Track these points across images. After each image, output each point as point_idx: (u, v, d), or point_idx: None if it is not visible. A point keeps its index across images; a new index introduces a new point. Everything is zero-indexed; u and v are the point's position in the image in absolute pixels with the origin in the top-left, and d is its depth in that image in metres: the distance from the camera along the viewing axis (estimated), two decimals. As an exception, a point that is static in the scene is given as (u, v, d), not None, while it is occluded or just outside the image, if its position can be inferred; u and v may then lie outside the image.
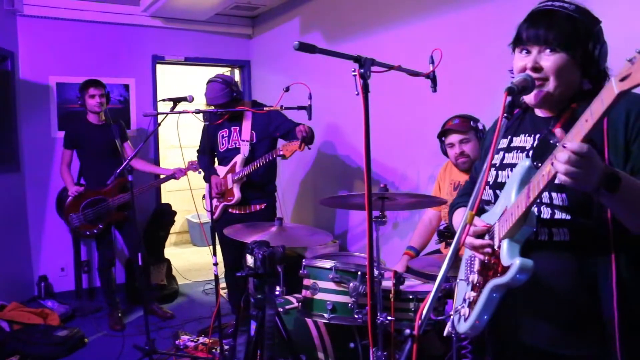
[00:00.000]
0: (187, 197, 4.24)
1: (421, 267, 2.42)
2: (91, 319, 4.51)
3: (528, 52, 1.43)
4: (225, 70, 6.31)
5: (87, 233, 4.33)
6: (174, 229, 5.29)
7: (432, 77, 2.10)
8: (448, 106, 3.21)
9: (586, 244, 1.35)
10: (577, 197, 1.33)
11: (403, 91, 3.71)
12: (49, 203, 4.99)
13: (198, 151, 4.22)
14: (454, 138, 2.92)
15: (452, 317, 1.57)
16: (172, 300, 5.08)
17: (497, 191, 1.50)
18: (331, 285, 2.45)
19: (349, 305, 2.41)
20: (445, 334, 1.62)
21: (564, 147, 1.15)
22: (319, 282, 2.49)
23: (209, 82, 3.87)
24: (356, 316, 2.39)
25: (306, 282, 2.56)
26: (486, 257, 1.44)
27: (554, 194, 1.36)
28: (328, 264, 2.48)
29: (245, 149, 3.87)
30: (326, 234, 2.96)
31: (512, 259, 1.31)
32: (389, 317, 2.31)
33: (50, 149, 5.06)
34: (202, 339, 3.75)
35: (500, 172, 1.53)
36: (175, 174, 4.29)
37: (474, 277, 1.49)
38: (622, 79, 1.04)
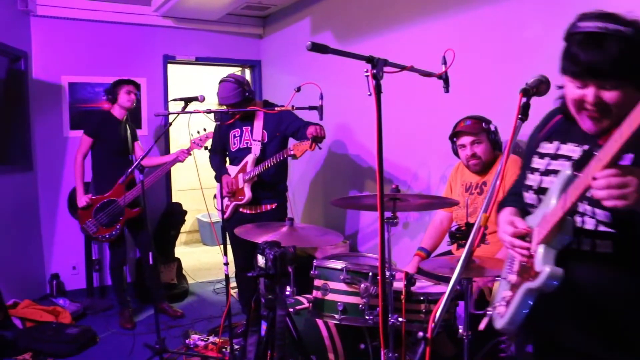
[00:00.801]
0: (197, 197, 4.25)
1: (432, 268, 2.41)
2: (102, 317, 4.53)
3: (585, 86, 1.35)
4: (236, 70, 6.32)
5: (107, 236, 4.34)
6: (184, 228, 5.30)
7: (444, 78, 2.09)
8: (459, 107, 3.19)
9: (630, 257, 1.33)
10: (620, 214, 1.29)
11: (414, 92, 3.69)
12: (61, 202, 5.03)
13: (209, 150, 4.22)
14: (465, 139, 2.90)
15: (490, 314, 1.61)
16: (182, 299, 5.09)
17: (541, 196, 1.49)
18: (342, 286, 2.45)
19: (360, 306, 2.40)
20: (481, 327, 1.66)
21: (594, 178, 1.15)
22: (329, 282, 2.49)
23: (222, 81, 3.87)
24: (367, 317, 2.38)
25: (317, 282, 2.55)
26: (524, 259, 1.44)
27: (597, 210, 1.34)
28: (339, 264, 2.48)
29: (256, 148, 3.87)
30: (337, 235, 2.95)
31: (543, 265, 1.33)
32: (400, 319, 2.30)
33: (63, 148, 5.09)
34: (212, 338, 3.77)
35: (544, 177, 1.51)
36: (178, 157, 4.29)
37: (512, 277, 1.51)
38: None
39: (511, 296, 1.46)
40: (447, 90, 2.10)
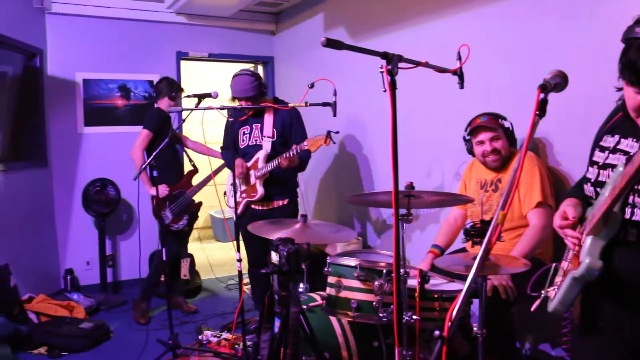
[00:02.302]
0: (210, 193, 4.27)
1: (446, 265, 2.38)
2: (115, 313, 4.57)
3: None
4: (249, 67, 6.32)
5: (175, 227, 4.39)
6: (197, 224, 5.32)
7: (459, 74, 2.07)
8: (474, 103, 3.16)
9: None
10: None
11: (427, 88, 3.67)
12: (75, 198, 5.07)
13: (222, 148, 4.22)
14: (484, 136, 2.88)
15: (543, 296, 1.69)
16: (196, 295, 5.12)
17: (598, 189, 1.54)
18: (356, 284, 2.44)
19: (374, 303, 2.39)
20: (533, 308, 1.72)
21: None
22: (343, 280, 2.47)
23: (237, 75, 3.84)
24: (381, 315, 2.37)
25: (330, 279, 2.54)
26: (575, 248, 1.53)
27: None
28: (353, 261, 2.46)
29: (267, 145, 3.87)
30: (350, 231, 2.94)
31: (585, 256, 1.42)
32: (414, 316, 2.28)
33: (77, 144, 5.13)
34: (225, 335, 3.78)
35: (602, 171, 1.55)
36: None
37: (565, 264, 1.61)
38: None
39: (561, 281, 1.54)
40: (462, 87, 2.07)
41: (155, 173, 3.59)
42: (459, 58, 2.04)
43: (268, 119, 3.90)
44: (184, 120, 3.62)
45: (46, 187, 4.99)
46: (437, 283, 2.66)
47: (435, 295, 2.44)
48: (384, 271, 2.39)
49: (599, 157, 1.58)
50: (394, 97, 1.62)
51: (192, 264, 5.34)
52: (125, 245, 5.37)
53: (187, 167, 4.63)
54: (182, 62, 5.64)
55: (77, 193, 5.05)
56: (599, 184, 1.54)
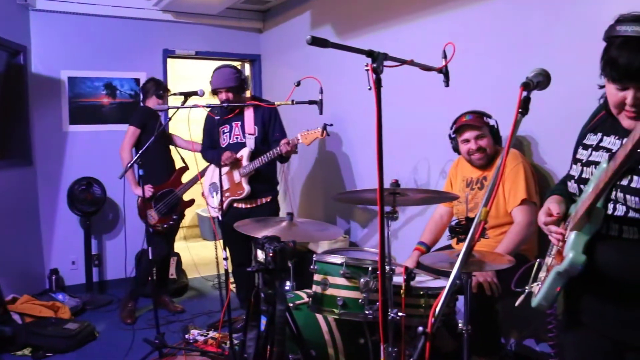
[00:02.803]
0: (197, 191, 4.25)
1: (432, 262, 2.40)
2: (101, 313, 4.54)
3: (626, 88, 1.42)
4: (236, 65, 6.31)
5: (165, 226, 4.36)
6: (184, 222, 5.29)
7: (444, 72, 2.08)
8: (459, 102, 3.18)
9: None
10: None
11: (413, 86, 3.68)
12: (60, 197, 5.02)
13: (201, 150, 4.21)
14: (469, 134, 2.90)
15: (527, 291, 1.71)
16: (182, 294, 5.09)
17: (582, 186, 1.57)
18: (342, 281, 2.44)
19: (360, 301, 2.40)
20: (517, 304, 1.74)
21: None
22: (329, 277, 2.48)
23: (217, 68, 3.89)
24: (367, 312, 2.38)
25: (316, 277, 2.55)
26: (559, 244, 1.55)
27: (628, 196, 1.42)
28: (339, 259, 2.47)
29: (250, 142, 3.88)
30: (337, 229, 2.95)
31: (569, 251, 1.44)
32: (399, 313, 2.29)
33: (62, 142, 5.08)
34: (211, 333, 3.77)
35: (585, 168, 1.58)
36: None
37: (549, 260, 1.62)
38: None
39: (545, 277, 1.57)
40: (447, 85, 2.09)
41: (141, 171, 3.57)
42: (445, 56, 2.06)
43: (248, 116, 3.91)
44: (170, 118, 3.61)
45: (31, 186, 4.94)
46: (423, 280, 2.67)
47: (421, 292, 2.45)
48: (370, 268, 2.40)
49: (582, 154, 1.61)
50: (379, 95, 1.62)
51: (179, 262, 5.32)
52: (111, 245, 5.33)
53: (179, 166, 4.60)
54: (169, 60, 5.60)
55: (62, 192, 5.00)
56: (582, 181, 1.57)
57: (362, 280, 2.38)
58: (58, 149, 5.07)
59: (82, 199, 4.91)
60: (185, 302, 4.81)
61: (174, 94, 3.66)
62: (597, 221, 1.45)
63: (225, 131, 3.97)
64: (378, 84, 1.63)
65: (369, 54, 1.63)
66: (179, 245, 5.23)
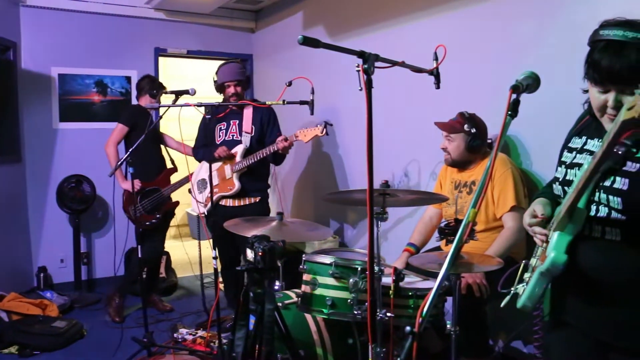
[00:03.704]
0: (183, 192, 4.25)
1: (421, 264, 2.41)
2: (90, 311, 4.51)
3: (607, 91, 1.44)
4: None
5: (147, 223, 4.33)
6: (174, 222, 5.27)
7: (435, 74, 2.09)
8: (450, 103, 3.20)
9: (637, 245, 1.43)
10: (632, 202, 1.40)
11: (405, 87, 3.70)
12: (50, 194, 4.99)
13: (193, 148, 4.21)
14: (443, 132, 2.99)
15: (513, 293, 1.71)
16: (171, 293, 5.08)
17: (566, 188, 1.58)
18: (331, 281, 2.45)
19: (349, 301, 2.40)
20: (502, 305, 1.74)
21: None
22: (318, 277, 2.49)
23: (224, 64, 3.96)
24: (355, 312, 2.38)
25: (306, 277, 2.55)
26: (543, 245, 1.57)
27: (610, 197, 1.43)
28: (328, 259, 2.48)
29: (246, 140, 3.88)
30: (327, 230, 2.95)
31: (551, 251, 1.45)
32: (388, 314, 2.30)
33: (52, 140, 5.05)
34: (200, 333, 3.76)
35: (569, 170, 1.59)
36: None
37: (534, 261, 1.63)
38: (629, 109, 1.15)
39: (529, 278, 1.58)
40: (438, 87, 2.10)
41: (131, 169, 3.56)
42: (436, 58, 2.07)
43: (247, 115, 3.92)
44: (161, 117, 3.59)
45: (19, 183, 4.90)
46: (412, 281, 2.68)
47: (410, 293, 2.46)
48: (359, 269, 2.40)
49: (567, 157, 1.63)
50: (370, 96, 1.63)
51: (168, 261, 5.30)
52: (100, 243, 5.30)
53: (169, 166, 4.59)
54: (160, 59, 5.59)
55: (51, 189, 4.97)
56: (566, 183, 1.58)
57: (351, 280, 2.39)
58: (48, 146, 5.04)
59: (72, 196, 4.88)
60: (174, 301, 4.80)
61: (165, 93, 3.66)
62: (579, 222, 1.46)
63: (222, 128, 3.99)
64: (369, 84, 1.63)
65: (360, 54, 1.64)
66: (168, 244, 5.21)
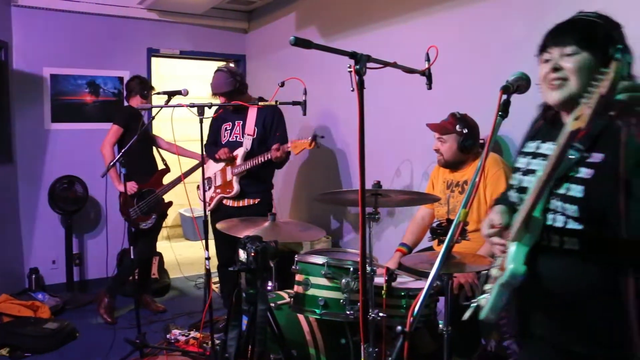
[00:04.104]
0: (180, 191, 4.23)
1: (413, 264, 2.42)
2: (82, 312, 4.49)
3: (549, 59, 1.47)
4: (220, 65, 6.30)
5: (144, 225, 4.31)
6: (167, 222, 5.26)
7: (427, 75, 2.10)
8: (442, 104, 3.20)
9: (596, 255, 1.39)
10: (588, 210, 1.37)
11: (398, 88, 3.70)
12: (42, 195, 4.96)
13: (205, 145, 4.24)
14: (435, 134, 2.98)
15: (477, 304, 1.65)
16: (164, 294, 5.07)
17: (522, 195, 1.54)
18: (323, 281, 2.45)
19: (341, 301, 2.41)
20: (464, 318, 1.68)
21: None
22: (311, 277, 2.49)
23: (216, 71, 3.94)
24: (348, 312, 2.39)
25: (298, 277, 2.55)
26: (502, 255, 1.52)
27: (566, 205, 1.40)
28: (320, 259, 2.48)
29: (247, 142, 3.89)
30: (319, 230, 2.96)
31: (510, 263, 1.40)
32: (380, 314, 2.31)
33: (44, 140, 5.03)
34: (193, 333, 3.75)
35: (525, 177, 1.57)
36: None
37: (494, 271, 1.58)
38: (576, 119, 1.15)
39: (490, 289, 1.53)
40: (429, 87, 2.11)
41: (124, 170, 3.56)
42: (428, 59, 2.08)
43: (251, 116, 3.92)
44: (153, 118, 3.59)
45: (11, 184, 4.88)
46: (404, 281, 2.69)
47: (402, 293, 2.47)
48: (351, 269, 2.41)
49: (522, 163, 1.61)
50: (362, 96, 1.63)
51: (161, 262, 5.29)
52: (92, 244, 5.28)
53: (160, 166, 4.58)
54: (153, 59, 5.57)
55: (43, 190, 4.94)
56: (522, 190, 1.55)
57: (343, 280, 2.39)
58: (40, 147, 5.01)
59: (64, 197, 4.86)
60: (167, 302, 4.78)
61: (158, 93, 3.65)
62: (536, 231, 1.43)
63: (228, 128, 4.01)
64: (361, 85, 1.64)
65: (352, 55, 1.64)
66: (161, 245, 5.20)
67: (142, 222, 4.31)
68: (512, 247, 1.44)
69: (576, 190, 1.38)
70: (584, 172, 1.38)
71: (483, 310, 1.55)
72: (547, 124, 1.58)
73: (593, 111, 1.08)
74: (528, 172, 1.56)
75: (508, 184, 1.68)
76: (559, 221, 1.42)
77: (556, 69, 1.44)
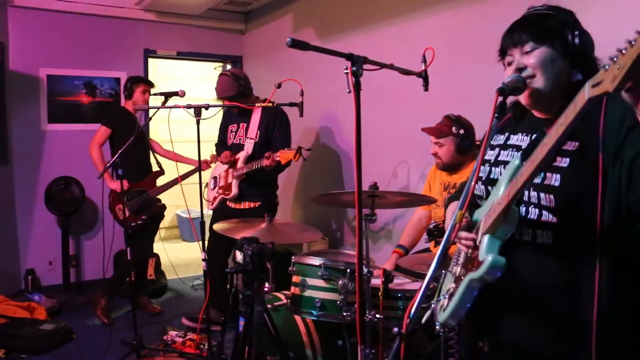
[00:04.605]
0: (177, 193, 4.23)
1: (410, 265, 2.43)
2: (79, 313, 4.48)
3: (512, 62, 1.48)
4: (216, 66, 6.32)
5: (133, 224, 4.29)
6: (163, 224, 5.26)
7: (423, 76, 2.10)
8: (439, 106, 3.21)
9: (569, 248, 1.35)
10: (565, 199, 1.34)
11: (395, 90, 3.71)
12: (38, 196, 4.95)
13: (216, 144, 4.29)
14: (431, 137, 2.97)
15: (433, 307, 1.56)
16: (161, 295, 5.06)
17: (489, 187, 1.51)
18: (320, 283, 2.45)
19: (338, 302, 2.41)
20: (423, 321, 1.58)
21: None
22: (308, 279, 2.49)
23: (220, 75, 3.97)
24: (345, 314, 2.39)
25: (295, 278, 2.55)
26: (469, 250, 1.45)
27: (542, 194, 1.37)
28: (317, 261, 2.48)
29: (249, 146, 3.90)
30: (316, 231, 2.95)
31: (486, 255, 1.32)
32: (377, 315, 2.31)
33: (40, 141, 5.02)
34: (190, 335, 3.75)
35: (493, 168, 1.54)
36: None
37: (457, 270, 1.51)
38: (594, 85, 1.05)
39: (455, 288, 1.46)
40: (426, 89, 2.11)
41: (120, 171, 3.55)
42: (424, 61, 2.08)
43: (254, 119, 3.93)
44: (150, 119, 3.58)
45: (7, 185, 4.87)
46: (401, 282, 2.69)
47: (399, 295, 2.47)
48: (348, 270, 2.41)
49: (490, 155, 1.58)
50: (358, 98, 1.63)
51: (158, 264, 5.28)
52: (89, 245, 5.27)
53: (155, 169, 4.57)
54: (150, 60, 5.57)
55: (39, 191, 4.93)
56: (490, 182, 1.52)
57: (340, 282, 2.39)
58: (36, 148, 5.01)
59: (61, 198, 4.85)
60: (164, 303, 4.78)
61: (155, 94, 3.65)
62: (513, 222, 1.36)
63: (233, 130, 4.05)
64: (357, 87, 1.64)
65: (349, 57, 1.64)
66: (158, 246, 5.20)
67: (132, 221, 4.29)
68: (485, 240, 1.36)
69: (553, 179, 1.36)
70: (559, 161, 1.36)
71: (443, 314, 1.45)
72: (515, 118, 1.58)
73: (627, 71, 1.02)
74: (498, 163, 1.54)
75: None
76: (532, 213, 1.39)
77: (520, 69, 1.44)
